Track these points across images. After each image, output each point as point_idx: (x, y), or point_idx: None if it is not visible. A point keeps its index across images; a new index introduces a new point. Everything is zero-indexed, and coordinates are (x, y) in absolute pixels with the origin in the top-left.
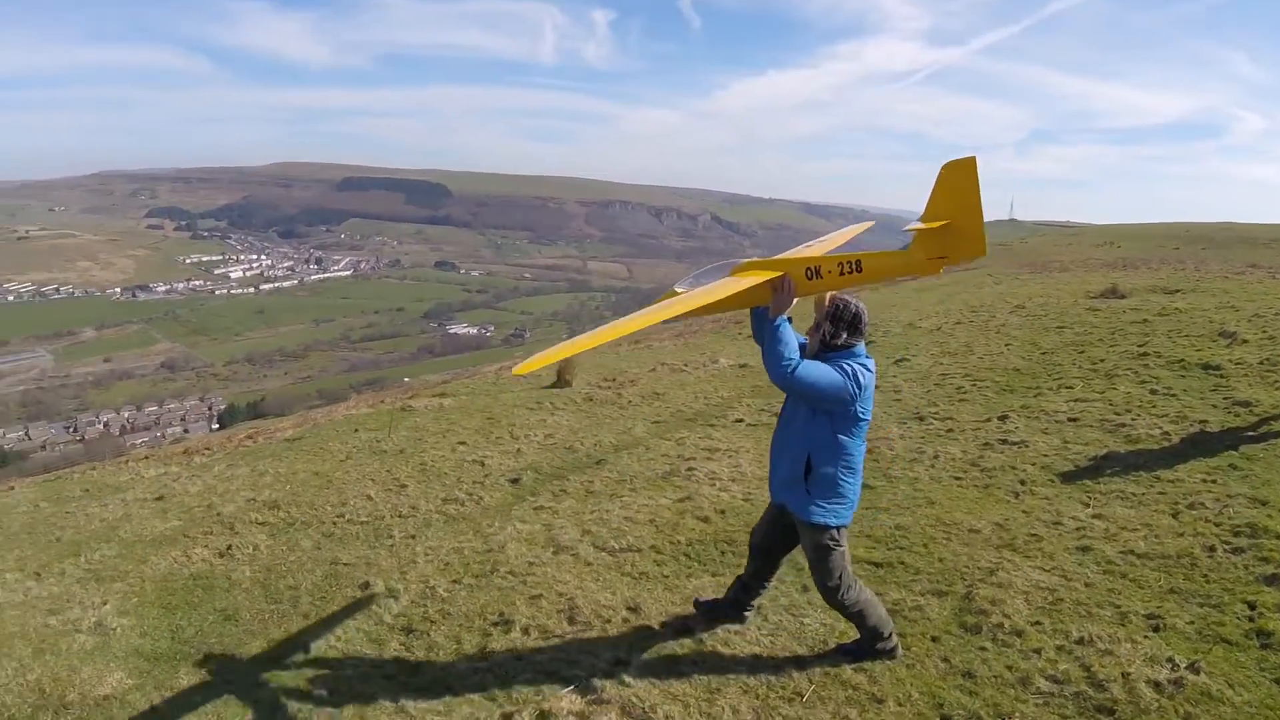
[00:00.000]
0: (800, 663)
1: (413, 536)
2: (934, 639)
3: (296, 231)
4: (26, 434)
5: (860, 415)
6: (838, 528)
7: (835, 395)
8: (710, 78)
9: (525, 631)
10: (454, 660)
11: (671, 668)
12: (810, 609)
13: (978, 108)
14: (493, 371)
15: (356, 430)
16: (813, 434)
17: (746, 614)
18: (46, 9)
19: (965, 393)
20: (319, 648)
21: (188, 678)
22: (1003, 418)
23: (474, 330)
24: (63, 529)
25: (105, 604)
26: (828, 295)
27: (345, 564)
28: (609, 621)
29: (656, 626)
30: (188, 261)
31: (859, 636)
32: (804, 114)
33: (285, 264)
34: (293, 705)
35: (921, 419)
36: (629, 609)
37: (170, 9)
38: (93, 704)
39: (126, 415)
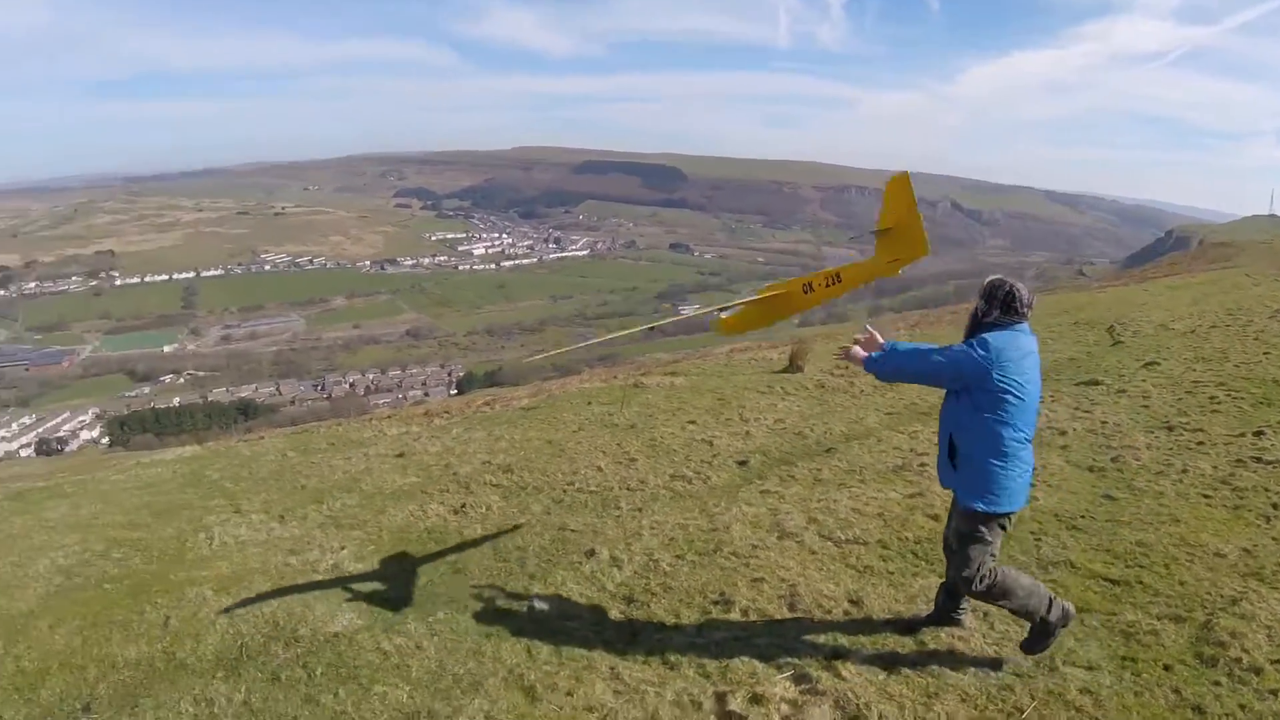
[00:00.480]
0: (1023, 676)
1: (639, 509)
2: (1166, 667)
3: (536, 212)
4: (278, 390)
5: (1004, 394)
6: (987, 516)
7: (937, 374)
8: (950, 60)
9: (744, 613)
10: (671, 634)
11: (890, 666)
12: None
13: (1234, 91)
14: (724, 353)
15: (589, 403)
16: (954, 414)
17: (960, 617)
18: (309, 8)
19: (1219, 403)
20: (541, 606)
21: (415, 623)
22: (1258, 433)
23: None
24: (307, 478)
25: (343, 549)
26: (993, 279)
27: (573, 530)
28: (829, 612)
29: (878, 622)
30: (433, 239)
31: (1029, 629)
32: (1049, 97)
33: (525, 243)
34: (512, 659)
35: (1170, 429)
36: (851, 601)
37: (422, 5)
38: (323, 640)
39: (371, 377)
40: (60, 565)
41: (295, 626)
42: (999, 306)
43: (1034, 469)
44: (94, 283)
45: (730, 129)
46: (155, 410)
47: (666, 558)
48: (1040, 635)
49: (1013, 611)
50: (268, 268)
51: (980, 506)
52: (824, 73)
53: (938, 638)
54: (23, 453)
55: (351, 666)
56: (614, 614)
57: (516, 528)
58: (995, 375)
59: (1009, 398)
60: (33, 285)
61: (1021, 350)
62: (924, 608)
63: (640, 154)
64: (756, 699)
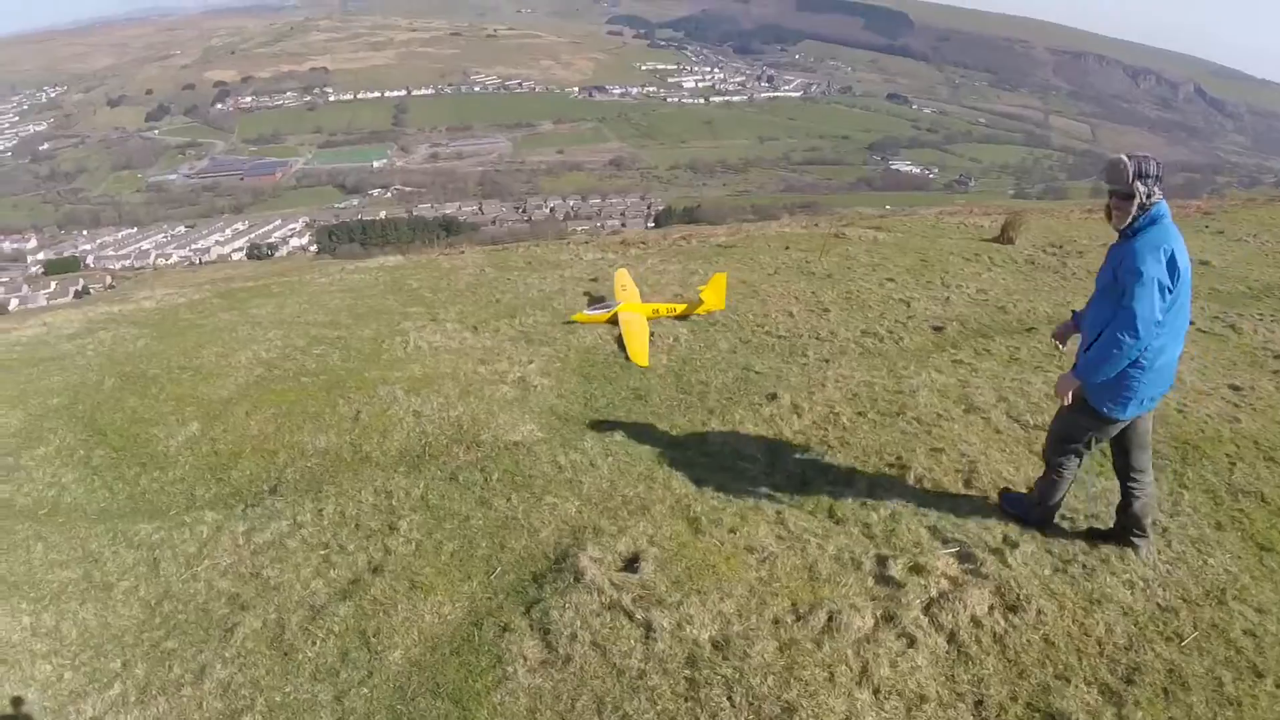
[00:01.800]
0: (1191, 604)
1: (826, 360)
2: None
3: (751, 48)
4: (480, 209)
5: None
6: (1101, 419)
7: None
8: None
9: (919, 481)
10: (842, 489)
11: (1058, 565)
12: (1218, 549)
13: None
14: (933, 214)
15: (787, 248)
16: (1103, 312)
17: (1138, 542)
18: None
19: None
20: (716, 442)
21: (592, 441)
22: None
23: (917, 170)
24: (503, 293)
25: (531, 363)
26: (1126, 158)
27: (757, 372)
28: None
29: (1056, 518)
30: (643, 68)
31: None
32: None
33: (736, 79)
34: (681, 489)
35: None
36: (1029, 490)
37: None
38: (502, 447)
39: (571, 203)
40: (262, 358)
41: (478, 432)
42: (1156, 182)
43: (1171, 384)
44: (307, 98)
45: None
46: (362, 222)
47: (848, 413)
48: (1031, 511)
49: (1046, 481)
50: (477, 89)
51: (1098, 405)
52: None
53: (1114, 548)
54: (234, 256)
55: (526, 475)
56: (787, 460)
57: (701, 362)
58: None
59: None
60: (249, 99)
61: (1174, 237)
62: (1104, 510)
63: None
64: (917, 569)
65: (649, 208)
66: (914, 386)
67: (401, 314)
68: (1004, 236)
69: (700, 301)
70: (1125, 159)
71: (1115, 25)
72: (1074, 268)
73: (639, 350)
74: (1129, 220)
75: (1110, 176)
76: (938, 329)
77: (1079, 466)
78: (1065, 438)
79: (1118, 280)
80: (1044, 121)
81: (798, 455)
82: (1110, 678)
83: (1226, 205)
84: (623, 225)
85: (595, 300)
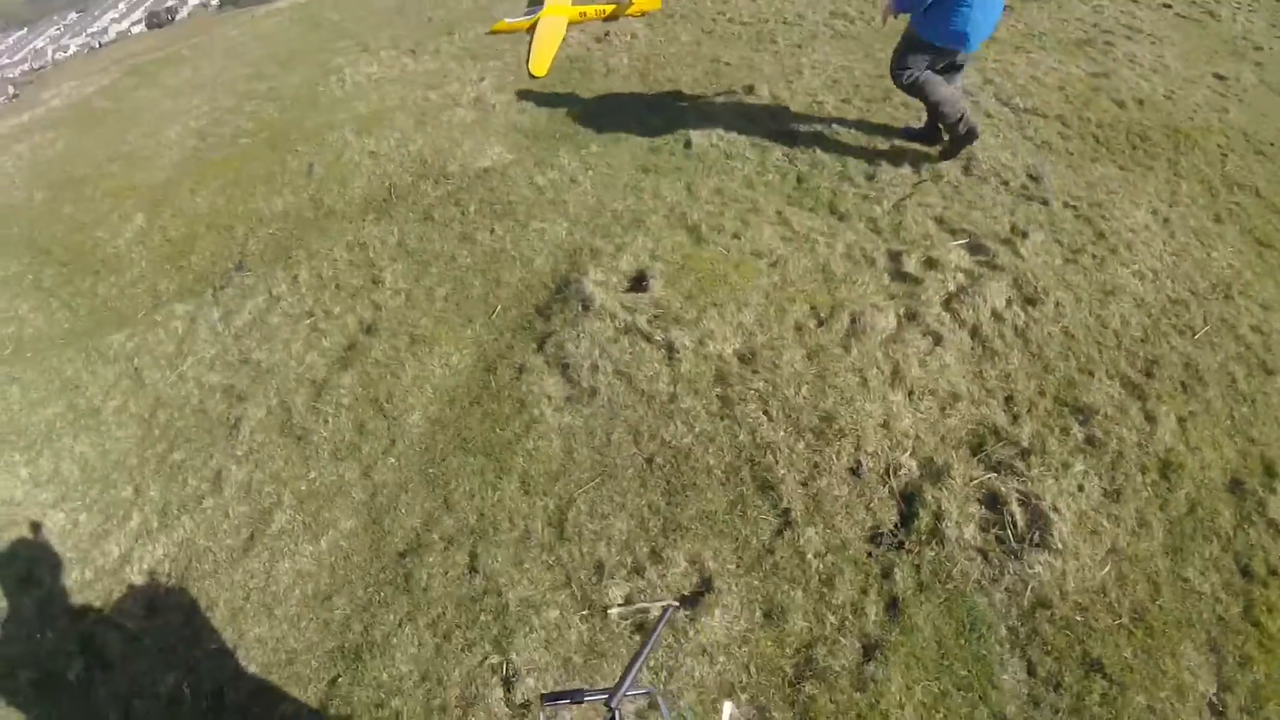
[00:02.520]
0: (1199, 298)
1: (799, 46)
2: None
3: None
4: None
5: None
6: (946, 52)
7: None
8: None
9: (915, 169)
10: (840, 184)
11: (1069, 256)
12: (1220, 242)
13: None
14: None
15: None
16: None
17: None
18: None
19: None
20: (699, 143)
21: (567, 157)
22: None
23: None
24: (433, 8)
25: (482, 80)
26: None
27: (726, 64)
28: (1006, 184)
29: (1059, 207)
30: None
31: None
32: None
33: None
34: (673, 196)
35: None
36: (1029, 176)
37: None
38: (473, 176)
39: None
40: (192, 128)
41: (443, 163)
42: None
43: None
44: None
45: None
46: None
47: (831, 100)
48: (951, 144)
49: (930, 111)
50: None
51: (927, 36)
52: None
53: (1119, 234)
54: (134, 30)
55: (505, 202)
56: (776, 156)
57: (665, 59)
58: None
59: None
60: None
61: None
62: (1102, 196)
63: None
64: (931, 263)
65: None
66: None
67: (329, 51)
68: None
69: (630, 2)
70: None
71: None
72: None
73: (537, 56)
74: None
75: None
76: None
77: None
78: (911, 62)
79: None
80: None
81: (786, 150)
82: (1131, 371)
83: None
84: None
85: (533, 1)
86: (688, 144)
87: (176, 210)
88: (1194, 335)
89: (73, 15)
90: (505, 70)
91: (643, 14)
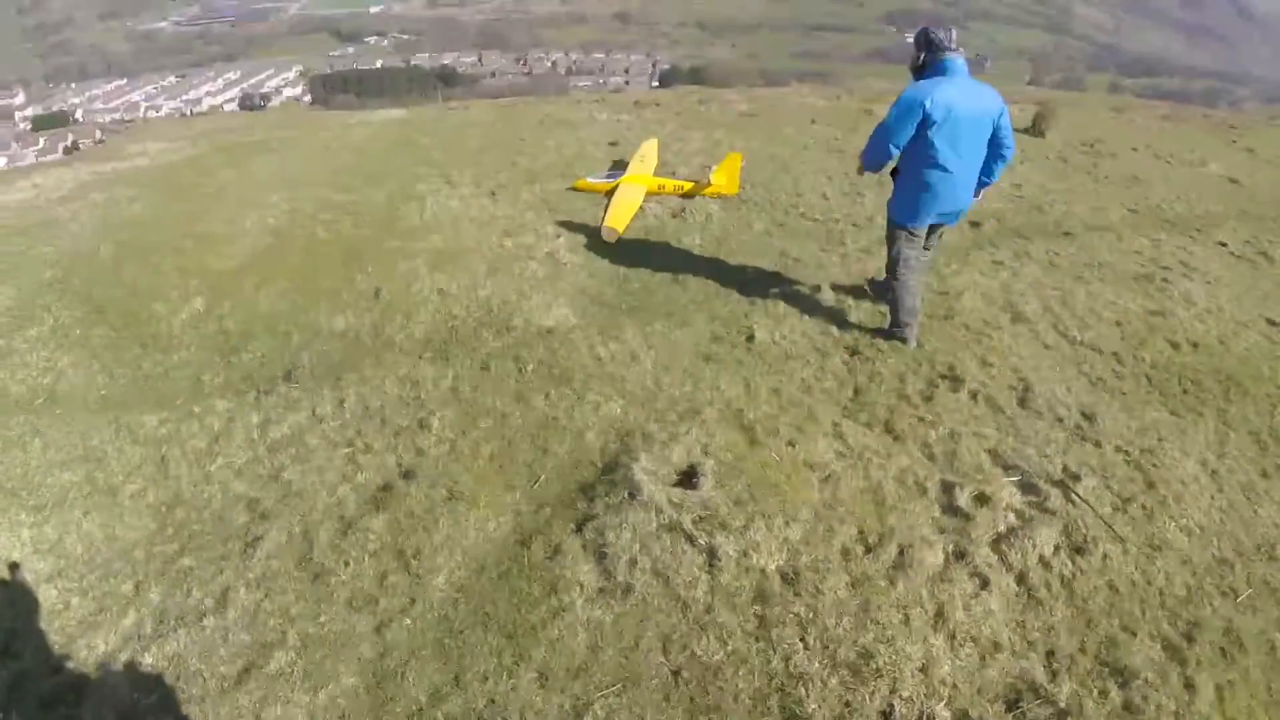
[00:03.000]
0: (1244, 558)
1: (866, 251)
2: None
3: None
4: (479, 60)
5: (926, 128)
6: (900, 227)
7: (886, 127)
8: None
9: (973, 396)
10: (898, 402)
11: (1119, 504)
12: (1266, 500)
13: None
14: None
15: (814, 122)
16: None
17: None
18: None
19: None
20: (762, 338)
21: (631, 330)
22: None
23: None
24: (518, 154)
25: (559, 237)
26: (926, 27)
27: (795, 259)
28: (1061, 420)
29: (1110, 450)
30: None
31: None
32: None
33: None
34: (730, 391)
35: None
36: (1084, 415)
37: None
38: (535, 333)
39: (574, 58)
40: (269, 224)
41: (509, 315)
42: (923, 48)
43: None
44: None
45: None
46: (358, 71)
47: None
48: (888, 329)
49: (890, 301)
50: None
51: (891, 214)
52: None
53: (1169, 484)
54: (226, 107)
55: (564, 367)
56: (836, 363)
57: (736, 245)
58: (922, 112)
59: (931, 147)
60: None
61: (943, 88)
62: (1153, 443)
63: None
64: (982, 499)
65: (654, 66)
66: (958, 288)
67: (415, 175)
68: (1035, 129)
69: (709, 183)
70: (926, 27)
71: None
72: (1107, 169)
73: (613, 221)
74: (910, 65)
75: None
76: (976, 225)
77: (911, 278)
78: (888, 246)
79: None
80: (1067, 8)
81: (847, 358)
82: (1172, 632)
83: (1252, 121)
84: (626, 83)
85: (616, 166)
86: (750, 338)
87: (238, 303)
88: (1236, 598)
89: (172, 78)
90: (581, 230)
91: (719, 196)
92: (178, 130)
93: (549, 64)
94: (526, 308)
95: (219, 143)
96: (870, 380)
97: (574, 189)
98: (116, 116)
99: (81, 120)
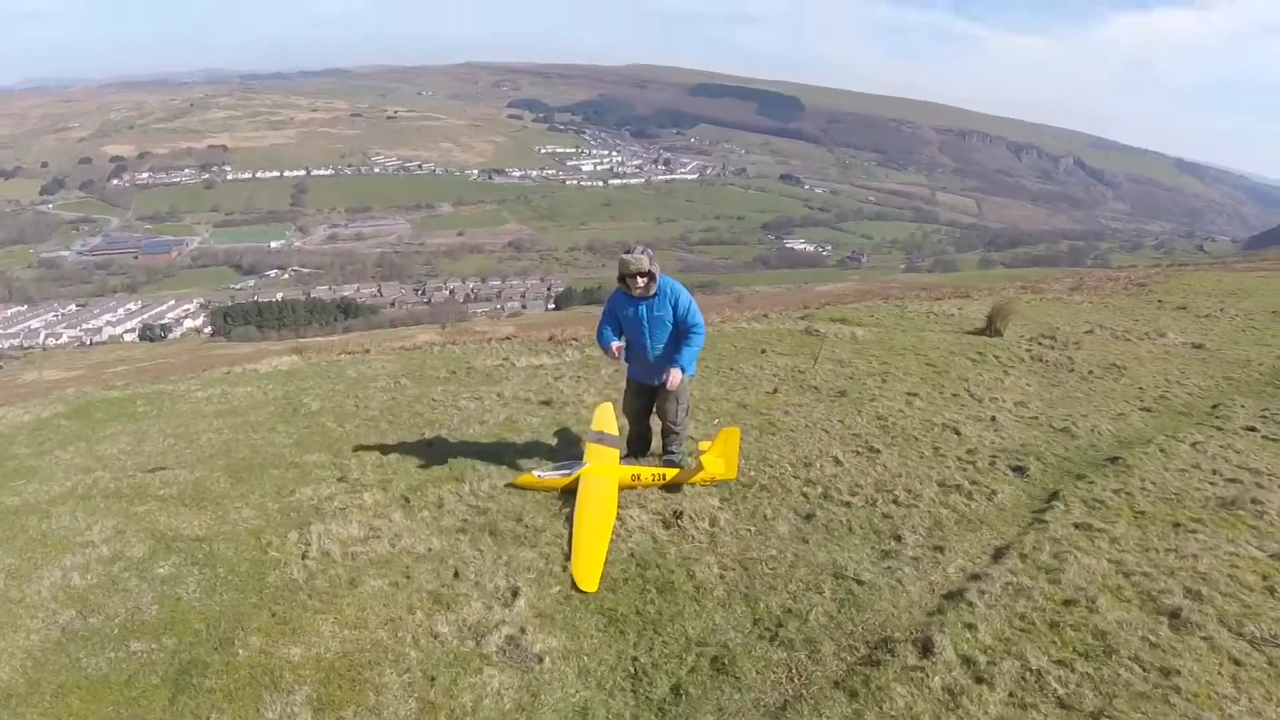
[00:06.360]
0: None
1: (938, 550)
2: None
3: (647, 132)
4: (379, 291)
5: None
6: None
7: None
8: (1089, 7)
9: None
10: None
11: None
12: None
13: None
14: (887, 302)
15: (763, 351)
16: (668, 333)
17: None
18: None
19: None
20: None
21: None
22: None
23: (810, 247)
24: (432, 426)
25: (516, 597)
26: (641, 253)
27: (858, 580)
28: None
29: None
30: (543, 151)
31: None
32: (1189, 60)
33: (634, 162)
34: None
35: None
36: None
37: None
38: None
39: (471, 285)
40: (72, 589)
41: None
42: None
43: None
44: (205, 176)
45: (852, 59)
46: (258, 303)
47: (1041, 661)
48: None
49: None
50: (377, 170)
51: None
52: (955, 7)
53: None
54: (127, 336)
55: None
56: None
57: (768, 570)
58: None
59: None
60: (145, 176)
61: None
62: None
63: (758, 79)
64: None
65: (549, 289)
66: (1078, 586)
67: (299, 468)
68: (991, 328)
69: (699, 468)
70: (641, 254)
71: (998, 104)
72: (1083, 362)
73: (585, 557)
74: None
75: (640, 267)
76: (1018, 469)
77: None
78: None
79: (676, 315)
80: (931, 198)
81: None
82: None
83: (1157, 276)
84: (523, 307)
85: (564, 458)
86: None
87: None
88: None
89: (73, 306)
90: (546, 573)
91: (711, 482)
92: (74, 358)
93: (447, 292)
94: None
95: (74, 402)
96: None
97: (516, 486)
98: (15, 342)
99: None
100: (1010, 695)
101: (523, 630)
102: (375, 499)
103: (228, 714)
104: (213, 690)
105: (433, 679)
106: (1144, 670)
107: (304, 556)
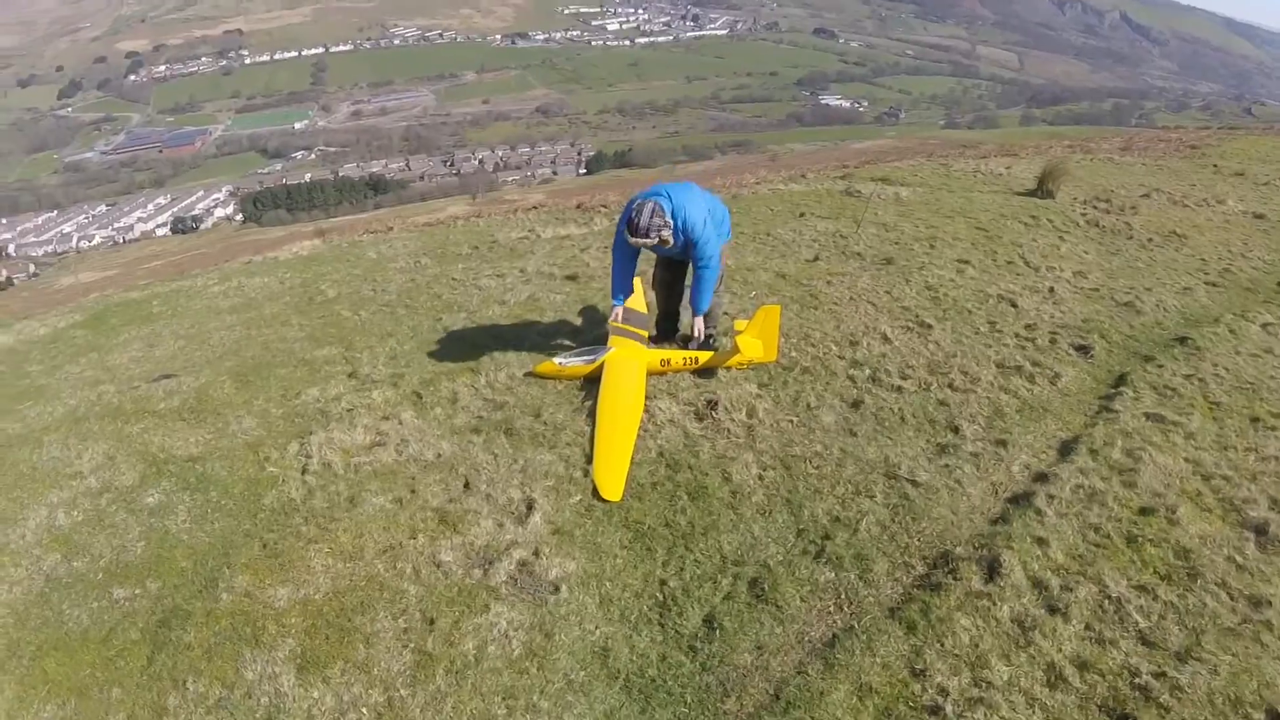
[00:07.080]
0: None
1: (1001, 444)
2: None
3: None
4: (407, 165)
5: None
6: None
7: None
8: None
9: None
10: None
11: None
12: None
13: None
14: (927, 160)
15: (802, 214)
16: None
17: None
18: None
19: None
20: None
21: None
22: None
23: (846, 103)
24: (450, 311)
25: (530, 509)
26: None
27: (913, 482)
28: None
29: None
30: (565, 12)
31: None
32: None
33: (661, 19)
34: None
35: None
36: None
37: None
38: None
39: (500, 154)
40: (57, 529)
41: None
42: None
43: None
44: (223, 63)
45: None
46: (287, 186)
47: (1117, 585)
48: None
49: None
50: (397, 42)
51: None
52: None
53: None
54: (159, 231)
55: None
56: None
57: (813, 468)
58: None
59: None
60: (162, 69)
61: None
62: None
63: None
64: None
65: (579, 154)
66: (1152, 488)
67: (308, 365)
68: (1042, 190)
69: (735, 350)
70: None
71: None
72: (1141, 229)
73: (609, 460)
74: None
75: (649, 244)
76: (1082, 349)
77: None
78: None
79: (688, 255)
80: (971, 52)
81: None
82: None
83: (1201, 137)
84: (554, 174)
85: (588, 347)
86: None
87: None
88: None
89: (102, 207)
90: (565, 479)
91: (749, 365)
92: (109, 258)
93: (476, 162)
94: None
95: (92, 307)
96: None
97: (536, 375)
98: (50, 249)
99: (14, 255)
100: (1087, 629)
101: (536, 553)
102: (385, 397)
103: (205, 674)
104: (191, 647)
105: (432, 621)
106: (1231, 600)
107: (304, 471)
